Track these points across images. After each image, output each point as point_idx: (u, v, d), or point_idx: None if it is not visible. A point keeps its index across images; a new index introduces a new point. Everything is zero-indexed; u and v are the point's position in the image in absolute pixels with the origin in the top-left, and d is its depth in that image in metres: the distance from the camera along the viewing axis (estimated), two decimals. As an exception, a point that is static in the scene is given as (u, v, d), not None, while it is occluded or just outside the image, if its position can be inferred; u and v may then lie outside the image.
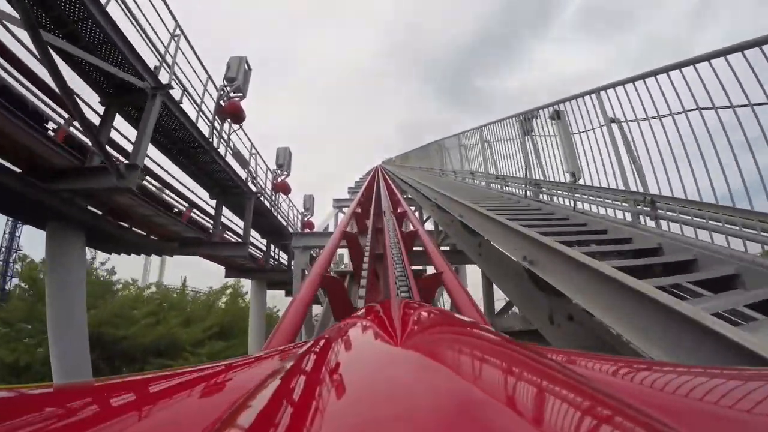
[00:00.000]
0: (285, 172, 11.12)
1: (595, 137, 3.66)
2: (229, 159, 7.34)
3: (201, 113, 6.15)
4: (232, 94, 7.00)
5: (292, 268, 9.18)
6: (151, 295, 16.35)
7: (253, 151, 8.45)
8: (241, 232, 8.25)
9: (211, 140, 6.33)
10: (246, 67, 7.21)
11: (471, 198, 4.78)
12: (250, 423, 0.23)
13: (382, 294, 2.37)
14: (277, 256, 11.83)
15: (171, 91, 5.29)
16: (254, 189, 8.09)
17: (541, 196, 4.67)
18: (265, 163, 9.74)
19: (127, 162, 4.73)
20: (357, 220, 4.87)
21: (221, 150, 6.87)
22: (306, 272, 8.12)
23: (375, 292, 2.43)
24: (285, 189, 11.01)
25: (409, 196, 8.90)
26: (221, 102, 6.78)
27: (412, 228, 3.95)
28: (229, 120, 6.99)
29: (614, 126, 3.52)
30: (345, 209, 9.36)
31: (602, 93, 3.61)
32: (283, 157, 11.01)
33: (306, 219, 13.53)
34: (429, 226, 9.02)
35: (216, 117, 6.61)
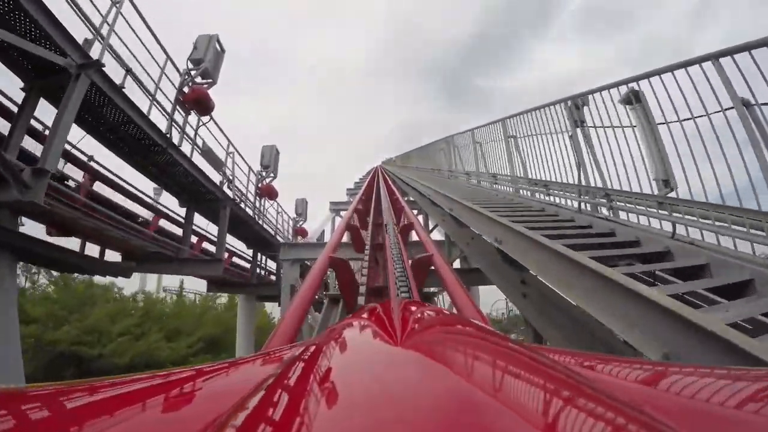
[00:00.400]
0: (271, 174, 9.71)
1: (711, 125, 2.40)
2: (199, 159, 6.08)
3: (155, 101, 4.86)
4: (198, 80, 5.70)
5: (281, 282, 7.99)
6: (135, 305, 15.04)
7: (231, 149, 7.14)
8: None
9: (169, 135, 5.06)
10: (217, 48, 5.88)
11: (505, 212, 3.54)
12: (240, 426, 0.22)
13: None
14: (264, 265, 10.55)
15: (107, 70, 4.03)
16: (231, 195, 6.79)
17: (602, 210, 3.41)
18: (247, 163, 8.44)
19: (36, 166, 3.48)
20: (352, 236, 3.89)
21: (186, 148, 5.60)
22: (297, 287, 6.90)
23: None
24: (271, 193, 9.58)
25: (411, 198, 7.70)
26: (184, 89, 5.48)
27: (416, 238, 3.13)
28: (194, 111, 5.69)
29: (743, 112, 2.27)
30: (343, 213, 8.14)
31: (723, 60, 2.35)
32: (269, 157, 9.51)
33: (298, 225, 12.24)
34: (436, 235, 7.83)
35: (177, 107, 5.32)
